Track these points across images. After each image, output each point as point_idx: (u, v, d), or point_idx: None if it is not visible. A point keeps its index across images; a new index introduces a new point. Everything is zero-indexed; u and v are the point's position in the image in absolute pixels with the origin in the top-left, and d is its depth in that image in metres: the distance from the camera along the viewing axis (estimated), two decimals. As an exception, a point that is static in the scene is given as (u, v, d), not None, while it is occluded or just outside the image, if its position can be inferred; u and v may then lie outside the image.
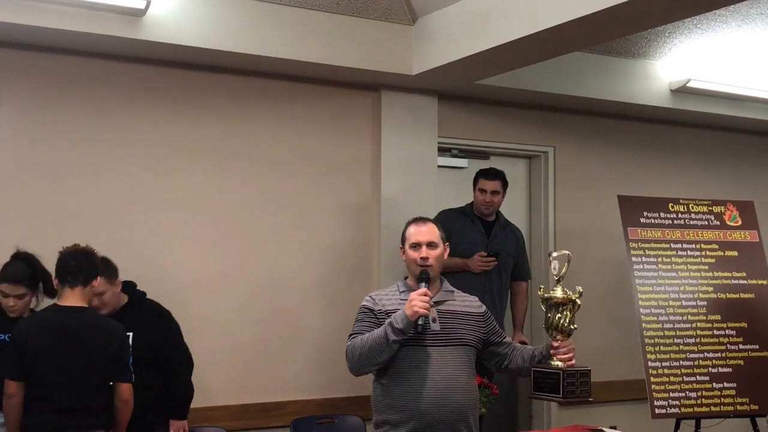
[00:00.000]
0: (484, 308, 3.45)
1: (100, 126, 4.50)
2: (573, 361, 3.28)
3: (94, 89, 4.49)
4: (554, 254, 3.43)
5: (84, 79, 4.47)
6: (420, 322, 3.11)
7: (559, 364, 3.27)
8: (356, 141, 5.18)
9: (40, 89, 4.38)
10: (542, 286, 3.51)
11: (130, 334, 3.92)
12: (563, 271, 3.37)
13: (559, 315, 3.31)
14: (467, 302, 3.41)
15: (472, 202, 5.16)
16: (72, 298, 3.64)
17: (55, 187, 4.39)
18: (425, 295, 3.13)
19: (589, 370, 3.29)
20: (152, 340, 4.02)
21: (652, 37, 5.31)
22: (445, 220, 4.91)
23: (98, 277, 3.73)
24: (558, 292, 3.33)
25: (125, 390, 3.67)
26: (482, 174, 5.09)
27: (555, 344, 3.30)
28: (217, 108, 4.78)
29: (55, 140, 4.40)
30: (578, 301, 3.33)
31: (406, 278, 3.42)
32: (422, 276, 3.25)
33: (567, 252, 3.40)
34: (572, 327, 3.32)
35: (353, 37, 4.75)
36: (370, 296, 3.37)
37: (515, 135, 5.72)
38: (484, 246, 4.99)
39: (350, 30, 4.73)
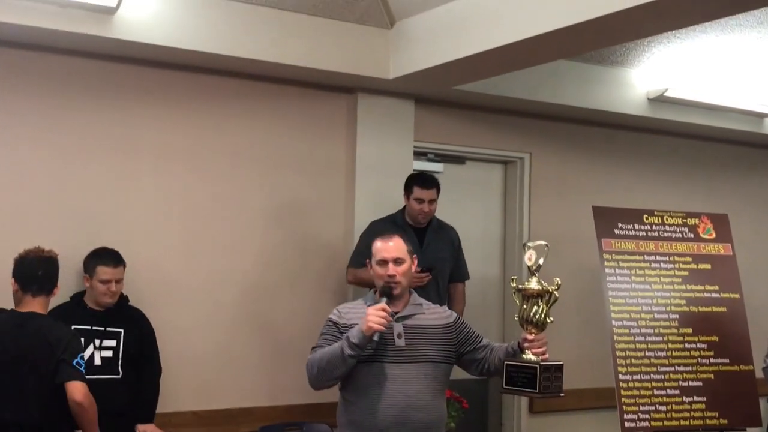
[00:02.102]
0: (453, 317, 3.39)
1: (68, 124, 4.40)
2: (547, 355, 3.21)
3: (63, 86, 4.39)
4: (530, 244, 3.33)
5: (53, 76, 4.37)
6: (375, 338, 3.07)
7: (533, 357, 3.19)
8: (332, 143, 5.12)
9: (7, 86, 4.27)
10: (515, 277, 3.43)
11: (121, 330, 4.10)
12: (540, 261, 3.27)
13: (535, 307, 3.22)
14: (436, 314, 3.36)
15: (402, 210, 4.87)
16: (33, 306, 3.56)
17: (19, 184, 4.29)
18: (383, 310, 3.09)
19: (562, 364, 3.21)
20: (139, 340, 4.18)
21: (630, 46, 5.29)
22: (376, 231, 4.55)
23: (58, 285, 3.68)
24: (533, 284, 3.23)
25: (77, 390, 3.44)
26: (417, 183, 4.75)
27: (529, 337, 3.22)
28: (189, 108, 4.70)
29: (21, 137, 4.30)
30: (556, 293, 3.23)
31: (375, 291, 3.37)
32: (384, 291, 3.22)
33: (544, 242, 3.29)
34: (548, 320, 3.23)
35: (330, 40, 4.68)
36: (337, 309, 3.34)
37: (492, 140, 5.68)
38: (417, 256, 4.83)
39: (327, 32, 4.66)
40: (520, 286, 3.28)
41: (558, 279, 3.25)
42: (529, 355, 3.21)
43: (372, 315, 3.06)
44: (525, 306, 3.25)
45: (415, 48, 4.69)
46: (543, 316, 3.23)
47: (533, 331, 3.24)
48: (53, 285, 3.63)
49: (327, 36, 4.66)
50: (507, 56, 4.34)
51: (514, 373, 3.22)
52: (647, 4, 3.51)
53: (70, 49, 4.33)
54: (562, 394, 3.24)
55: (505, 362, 3.25)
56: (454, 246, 4.98)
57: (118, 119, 4.51)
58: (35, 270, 3.58)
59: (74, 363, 3.49)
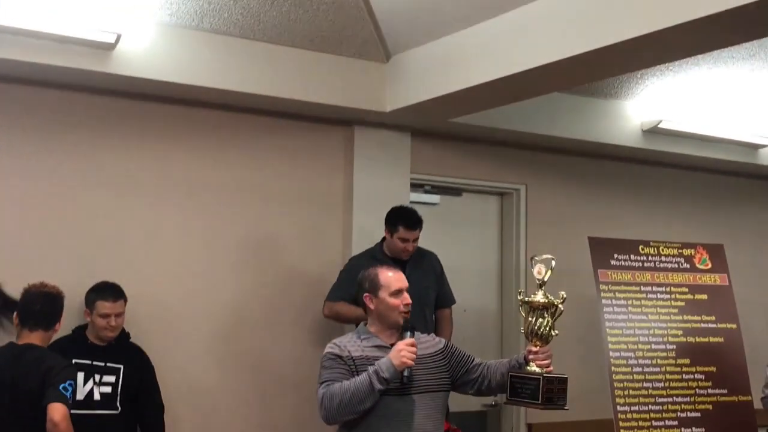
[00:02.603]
0: (442, 343, 3.41)
1: (68, 157, 4.44)
2: (551, 368, 3.24)
3: (63, 121, 4.43)
4: (537, 258, 3.36)
5: (53, 111, 4.41)
6: (405, 374, 3.10)
7: (537, 369, 3.21)
8: (329, 176, 5.15)
9: (8, 121, 4.31)
10: (522, 290, 3.47)
11: (120, 366, 4.10)
12: (546, 275, 3.31)
13: (541, 319, 3.25)
14: (427, 343, 3.38)
15: (380, 244, 4.82)
16: (30, 339, 3.58)
17: (18, 218, 4.31)
18: (413, 345, 3.12)
19: (566, 378, 3.24)
20: (139, 377, 4.17)
21: (624, 78, 5.34)
22: (358, 268, 4.30)
23: (60, 322, 3.67)
24: (539, 296, 3.27)
25: (56, 411, 3.37)
26: (403, 223, 4.66)
27: (534, 349, 3.25)
28: (187, 142, 4.73)
29: (20, 172, 4.33)
30: (561, 306, 3.27)
31: (365, 324, 3.37)
32: (407, 326, 3.23)
33: (550, 256, 3.33)
34: (553, 333, 3.27)
35: (327, 74, 4.72)
36: (334, 343, 3.32)
37: (488, 172, 5.72)
38: None
39: (324, 66, 4.71)
40: (526, 299, 3.31)
41: (563, 292, 3.29)
42: (533, 367, 3.23)
43: (405, 350, 3.09)
44: (531, 318, 3.28)
45: (410, 81, 4.73)
46: (548, 328, 3.26)
47: (538, 343, 3.27)
48: (53, 321, 3.64)
49: (324, 70, 4.71)
50: (502, 89, 4.39)
51: (518, 384, 3.24)
52: (640, 37, 3.56)
53: (69, 84, 4.37)
54: (566, 408, 3.26)
55: (510, 374, 3.28)
56: (437, 273, 4.93)
57: (116, 153, 4.54)
58: (33, 305, 3.60)
59: (60, 387, 3.46)
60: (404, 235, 4.66)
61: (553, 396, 3.18)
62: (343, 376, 3.17)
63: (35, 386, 3.46)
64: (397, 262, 4.64)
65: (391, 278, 3.31)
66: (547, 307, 3.26)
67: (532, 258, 3.42)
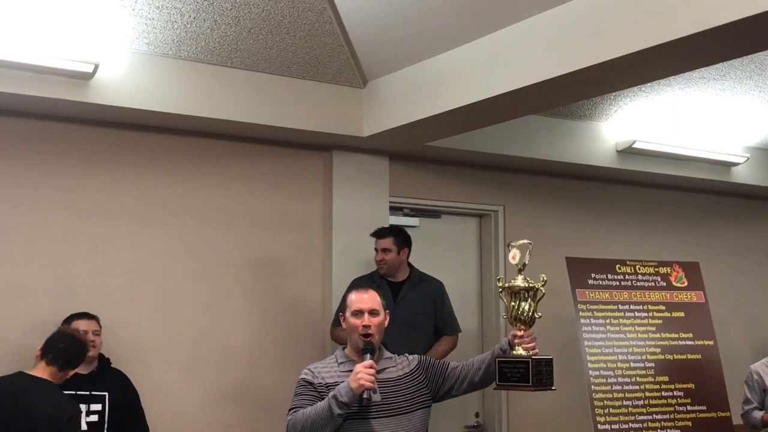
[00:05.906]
0: (417, 359, 3.40)
1: (46, 187, 4.44)
2: (537, 350, 3.25)
3: (42, 151, 4.44)
4: (513, 243, 3.38)
5: (31, 140, 4.42)
6: (365, 396, 3.07)
7: (523, 353, 3.23)
8: (308, 200, 5.18)
9: (-15, 151, 4.32)
10: (501, 277, 3.47)
11: (105, 394, 4.11)
12: (525, 260, 3.33)
13: (523, 304, 3.27)
14: (402, 364, 3.37)
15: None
16: (43, 373, 3.61)
17: (-2, 249, 4.31)
18: (371, 367, 3.10)
19: (552, 359, 3.26)
20: (123, 403, 4.18)
21: (598, 100, 5.42)
22: (354, 287, 4.55)
23: (76, 370, 3.74)
24: (519, 281, 3.29)
25: None
26: (373, 233, 4.95)
27: (519, 334, 3.26)
28: (168, 169, 4.75)
29: (1, 201, 4.33)
30: (542, 289, 3.30)
31: (343, 348, 3.38)
32: (366, 348, 3.22)
33: (527, 241, 3.35)
34: (536, 316, 3.29)
35: (304, 100, 4.77)
36: (309, 369, 3.31)
37: (466, 194, 5.77)
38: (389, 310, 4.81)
39: (301, 93, 4.75)
40: (506, 285, 3.33)
41: (544, 275, 3.32)
42: (519, 351, 3.25)
43: (362, 372, 3.05)
44: (513, 304, 3.30)
45: (387, 106, 4.78)
46: (531, 312, 3.28)
47: (522, 327, 3.28)
48: (69, 364, 3.68)
49: (301, 96, 4.75)
50: (477, 113, 4.44)
51: (506, 369, 3.25)
52: (611, 60, 3.62)
53: (48, 113, 4.39)
54: (553, 388, 3.28)
55: (497, 359, 3.28)
56: (435, 299, 4.97)
57: (95, 182, 4.55)
58: (59, 342, 3.68)
59: None
60: (375, 245, 4.90)
61: (542, 378, 3.20)
62: (310, 403, 3.15)
63: (36, 421, 3.46)
64: (394, 285, 4.82)
65: (355, 298, 3.31)
66: (528, 291, 3.29)
67: (508, 244, 3.44)
